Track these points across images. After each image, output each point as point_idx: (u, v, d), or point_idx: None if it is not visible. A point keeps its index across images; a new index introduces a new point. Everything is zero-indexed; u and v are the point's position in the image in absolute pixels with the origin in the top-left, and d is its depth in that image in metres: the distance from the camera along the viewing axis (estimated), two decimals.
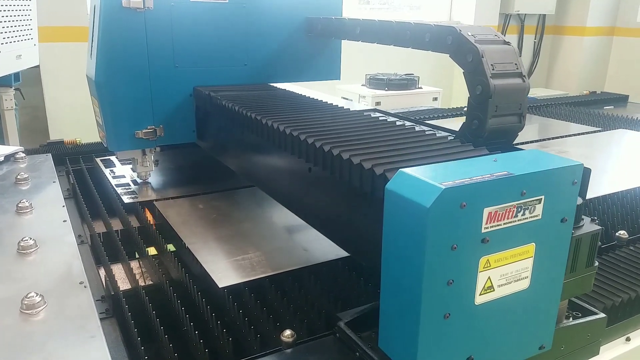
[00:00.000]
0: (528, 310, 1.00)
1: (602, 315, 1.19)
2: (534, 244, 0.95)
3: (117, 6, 1.74)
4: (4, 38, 2.71)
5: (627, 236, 1.60)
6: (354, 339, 1.07)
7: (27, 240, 1.48)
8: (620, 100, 4.49)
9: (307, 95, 1.90)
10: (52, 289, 1.26)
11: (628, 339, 1.33)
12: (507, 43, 1.37)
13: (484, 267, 0.90)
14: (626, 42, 7.04)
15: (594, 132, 3.11)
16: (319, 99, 1.83)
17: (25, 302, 1.18)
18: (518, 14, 6.64)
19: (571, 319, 1.17)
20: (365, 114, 1.58)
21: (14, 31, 2.83)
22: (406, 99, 4.65)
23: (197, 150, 2.27)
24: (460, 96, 6.35)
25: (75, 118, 4.28)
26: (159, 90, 1.88)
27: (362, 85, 4.82)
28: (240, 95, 1.78)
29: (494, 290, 0.93)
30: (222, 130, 1.87)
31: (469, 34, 1.34)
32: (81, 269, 1.38)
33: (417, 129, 1.37)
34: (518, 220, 0.91)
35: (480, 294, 0.92)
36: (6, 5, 2.72)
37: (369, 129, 1.35)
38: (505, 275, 0.94)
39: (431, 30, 1.44)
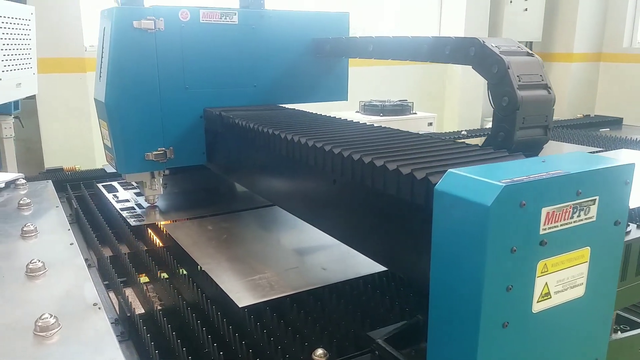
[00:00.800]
0: (583, 320, 0.94)
1: None
2: (589, 247, 0.90)
3: (128, 27, 1.71)
4: (5, 66, 2.66)
5: None
6: (397, 357, 1.00)
7: (35, 262, 1.40)
8: (615, 122, 4.53)
9: (317, 113, 1.87)
10: (65, 311, 1.18)
11: None
12: (531, 54, 1.35)
13: (541, 272, 0.85)
14: (613, 67, 7.18)
15: (598, 151, 3.11)
16: (330, 115, 1.80)
17: (39, 324, 1.10)
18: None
19: (619, 332, 1.12)
20: (381, 126, 1.55)
21: (14, 59, 2.78)
22: (402, 125, 4.59)
23: (201, 173, 2.22)
24: (451, 121, 6.38)
25: (71, 149, 4.22)
26: (169, 112, 1.84)
27: (357, 112, 4.82)
28: (253, 115, 1.74)
29: (550, 297, 0.88)
30: (236, 150, 1.82)
31: (493, 45, 1.32)
32: (94, 291, 1.30)
33: (444, 138, 1.33)
34: (574, 222, 0.86)
35: (537, 301, 0.86)
36: (8, 33, 2.68)
37: (392, 139, 1.31)
38: (561, 281, 0.88)
39: (451, 42, 1.43)
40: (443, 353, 0.89)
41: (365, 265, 1.44)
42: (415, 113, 4.92)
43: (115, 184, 2.36)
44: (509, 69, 1.26)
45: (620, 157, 2.97)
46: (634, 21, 7.06)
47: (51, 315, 1.12)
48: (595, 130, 4.13)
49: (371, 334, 1.11)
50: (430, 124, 4.88)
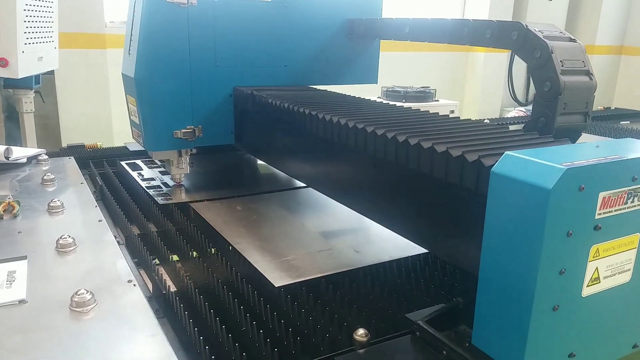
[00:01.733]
0: (627, 305, 0.94)
1: None
2: (639, 234, 0.89)
3: (161, 1, 1.69)
4: (27, 38, 2.65)
5: None
6: (440, 338, 1.00)
7: (65, 238, 1.40)
8: (636, 115, 4.50)
9: (348, 95, 1.86)
10: (100, 288, 1.18)
11: None
12: (573, 40, 1.33)
13: (593, 257, 0.84)
14: (634, 61, 7.08)
15: None
16: (362, 98, 1.79)
17: (76, 300, 1.10)
18: None
19: None
20: (418, 109, 1.53)
21: (37, 32, 2.77)
22: None
23: (225, 155, 2.22)
24: (471, 110, 6.33)
25: (89, 127, 4.22)
26: (199, 89, 1.83)
27: (378, 97, 4.78)
28: (286, 95, 1.73)
29: (599, 281, 0.87)
30: (267, 130, 1.82)
31: (536, 29, 1.30)
32: (127, 268, 1.30)
33: (483, 124, 1.31)
34: (627, 208, 0.85)
35: (587, 286, 0.86)
36: (32, 5, 2.67)
37: (432, 122, 1.30)
38: (611, 266, 0.88)
39: (493, 26, 1.40)
40: (491, 335, 0.89)
41: (398, 248, 1.44)
42: (438, 100, 4.89)
43: (139, 162, 2.36)
44: (552, 53, 1.24)
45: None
46: None
47: (87, 291, 1.12)
48: (615, 122, 4.09)
49: (409, 316, 1.11)
50: (452, 111, 4.84)
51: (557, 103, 1.26)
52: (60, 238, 1.40)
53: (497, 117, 6.42)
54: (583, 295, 0.85)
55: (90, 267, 1.30)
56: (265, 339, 1.05)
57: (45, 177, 1.96)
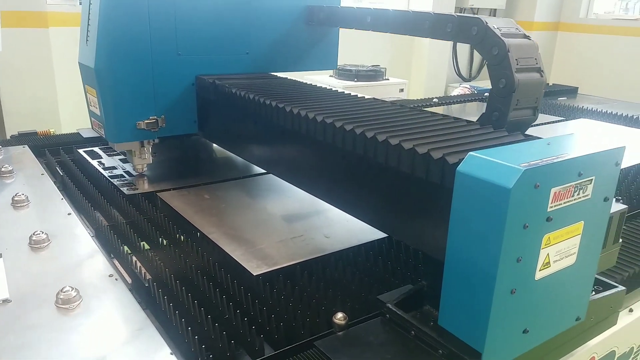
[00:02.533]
0: (571, 284, 1.06)
1: (622, 288, 1.27)
2: (582, 222, 1.01)
3: None
4: None
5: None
6: (408, 319, 1.10)
7: (39, 234, 1.42)
8: (571, 92, 4.76)
9: (308, 83, 1.91)
10: (83, 284, 1.22)
11: (631, 310, 1.43)
12: (527, 37, 1.43)
13: (545, 244, 0.96)
14: (570, 37, 7.43)
15: (559, 121, 3.29)
16: (323, 86, 1.85)
17: (61, 297, 1.14)
18: (472, 8, 6.86)
19: (594, 292, 1.26)
20: (375, 99, 1.61)
21: None
22: (374, 90, 4.73)
23: (186, 141, 2.23)
24: (418, 88, 6.50)
25: (34, 111, 4.06)
26: (161, 79, 1.83)
27: (330, 76, 4.85)
28: (249, 84, 1.77)
29: (550, 266, 0.99)
30: (231, 119, 1.85)
31: (495, 26, 1.39)
32: (105, 262, 1.34)
33: (440, 116, 1.40)
34: (574, 200, 0.97)
35: (539, 270, 0.97)
36: None
37: (396, 115, 1.38)
38: (559, 251, 0.99)
39: (453, 20, 1.48)
40: (456, 317, 0.99)
41: (364, 232, 1.53)
42: (388, 79, 5.00)
43: (97, 149, 2.34)
44: (508, 52, 1.33)
45: (582, 126, 3.16)
46: None
47: (72, 288, 1.16)
48: (553, 98, 4.33)
49: (381, 297, 1.22)
50: (402, 90, 4.97)
51: (510, 99, 1.36)
52: (34, 234, 1.41)
53: (442, 92, 6.64)
54: (536, 279, 0.97)
55: (69, 263, 1.32)
56: (250, 326, 1.12)
57: (2, 169, 1.93)
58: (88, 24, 1.80)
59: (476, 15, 1.41)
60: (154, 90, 1.83)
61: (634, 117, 3.32)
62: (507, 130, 1.31)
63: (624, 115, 3.40)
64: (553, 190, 0.91)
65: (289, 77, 2.13)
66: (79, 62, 1.91)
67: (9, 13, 3.72)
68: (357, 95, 1.71)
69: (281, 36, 2.07)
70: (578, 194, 0.97)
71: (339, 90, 1.75)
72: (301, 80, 1.98)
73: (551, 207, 0.93)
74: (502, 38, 1.33)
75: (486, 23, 1.37)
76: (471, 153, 0.93)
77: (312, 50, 2.17)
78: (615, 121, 3.34)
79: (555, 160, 0.91)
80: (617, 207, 1.18)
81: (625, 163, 2.26)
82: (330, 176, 1.45)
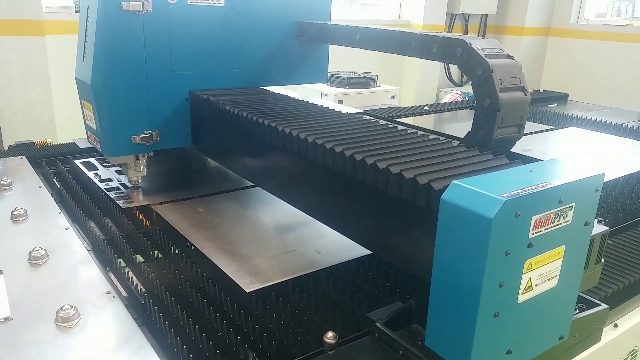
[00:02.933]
0: (554, 305, 1.11)
1: (605, 306, 1.32)
2: (564, 246, 1.05)
3: (116, 9, 1.71)
4: None
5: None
6: (396, 339, 1.14)
7: (38, 250, 1.45)
8: (562, 98, 4.82)
9: (298, 98, 1.95)
10: (81, 301, 1.25)
11: (615, 326, 1.48)
12: (511, 57, 1.47)
13: (527, 269, 1.00)
14: (560, 42, 7.51)
15: (548, 130, 3.34)
16: (311, 102, 1.89)
17: (61, 315, 1.17)
18: (463, 13, 6.92)
19: (577, 310, 1.30)
20: (364, 118, 1.66)
21: None
22: (366, 97, 4.78)
23: (182, 153, 2.26)
24: (410, 93, 6.55)
25: (31, 120, 4.07)
26: (155, 94, 1.86)
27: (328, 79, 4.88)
28: (241, 100, 1.80)
29: (532, 289, 1.03)
30: (224, 134, 1.88)
31: (479, 47, 1.43)
32: (103, 278, 1.37)
33: (430, 137, 1.45)
34: (555, 226, 1.01)
35: (522, 294, 1.01)
36: None
37: (385, 136, 1.42)
38: (541, 275, 1.04)
39: (438, 41, 1.52)
40: (440, 338, 1.03)
41: (355, 246, 1.56)
42: (380, 86, 5.05)
43: (93, 160, 2.37)
44: (492, 72, 1.37)
45: (570, 135, 3.21)
46: None
47: (71, 306, 1.19)
48: (543, 105, 4.39)
49: (370, 315, 1.26)
50: (393, 97, 5.02)
51: (495, 118, 1.40)
52: (33, 250, 1.44)
53: (434, 96, 6.69)
54: (518, 302, 1.01)
55: (67, 280, 1.35)
56: (243, 344, 1.16)
57: (1, 182, 1.96)
58: (85, 41, 1.83)
59: (461, 37, 1.45)
60: (149, 106, 1.86)
61: (624, 125, 3.38)
62: (493, 150, 1.35)
63: (613, 123, 3.46)
64: (534, 218, 0.96)
65: (281, 91, 2.18)
66: (75, 77, 1.94)
67: (5, 21, 3.73)
68: (347, 112, 1.74)
69: (273, 51, 2.10)
70: (559, 220, 1.01)
71: (329, 107, 1.79)
72: (294, 91, 2.02)
73: (532, 233, 0.97)
74: (486, 59, 1.38)
75: (470, 44, 1.41)
76: (455, 181, 0.97)
77: (303, 64, 2.22)
78: (604, 129, 3.40)
79: (536, 190, 0.95)
80: (598, 228, 1.22)
81: (612, 175, 2.32)
82: (320, 194, 1.49)
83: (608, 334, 1.44)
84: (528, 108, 1.48)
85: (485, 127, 1.43)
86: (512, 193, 0.92)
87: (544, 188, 0.96)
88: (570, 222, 1.03)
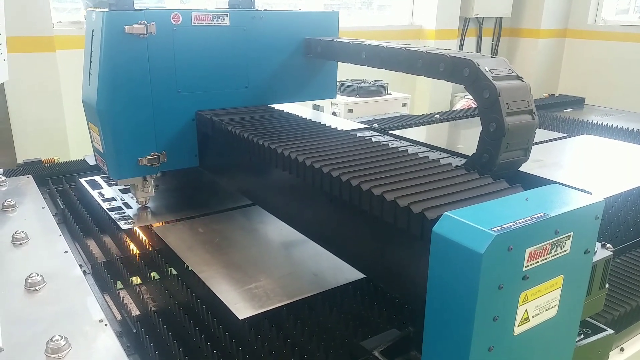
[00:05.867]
0: (554, 334, 1.06)
1: (611, 331, 1.27)
2: (562, 275, 1.01)
3: (120, 32, 1.70)
4: None
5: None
6: None
7: (34, 276, 1.45)
8: (577, 102, 4.71)
9: (302, 116, 1.92)
10: (73, 330, 1.24)
11: (622, 349, 1.42)
12: (520, 78, 1.42)
13: (522, 302, 0.96)
14: (577, 44, 7.37)
15: (561, 137, 3.26)
16: (313, 119, 1.87)
17: (51, 346, 1.16)
18: (477, 17, 6.84)
19: (582, 336, 1.25)
20: (365, 136, 1.63)
21: None
22: (377, 106, 4.74)
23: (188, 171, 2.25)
24: (423, 100, 6.48)
25: (43, 136, 4.12)
26: (161, 116, 1.85)
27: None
28: (245, 119, 1.79)
29: (529, 321, 0.99)
30: (228, 155, 1.87)
31: (486, 69, 1.37)
32: (97, 306, 1.36)
33: (431, 157, 1.41)
34: (551, 257, 0.97)
35: (518, 326, 0.97)
36: None
37: (385, 158, 1.39)
38: (538, 306, 1.00)
39: (446, 60, 1.48)
40: None
41: (352, 269, 1.54)
42: (390, 94, 5.01)
43: (98, 179, 2.37)
44: (499, 96, 1.32)
45: (584, 144, 3.13)
46: None
47: (61, 337, 1.18)
48: (559, 110, 4.29)
49: (364, 344, 1.22)
50: (404, 104, 4.98)
51: (500, 143, 1.35)
52: (29, 277, 1.44)
53: (448, 103, 6.61)
54: (515, 334, 0.97)
55: (61, 308, 1.35)
56: None
57: (5, 203, 1.97)
58: (90, 64, 1.83)
59: (468, 57, 1.40)
60: (155, 128, 1.85)
61: None
62: (494, 174, 1.31)
63: (629, 129, 3.37)
64: (528, 250, 0.92)
65: (291, 104, 2.16)
66: (82, 100, 1.94)
67: (16, 39, 3.78)
68: (350, 130, 1.72)
69: (280, 69, 2.08)
70: (556, 251, 0.97)
71: (331, 125, 1.76)
72: (304, 105, 1.99)
73: (527, 265, 0.93)
74: (493, 82, 1.33)
75: (478, 65, 1.36)
76: (447, 213, 0.94)
77: (310, 81, 2.19)
78: (620, 136, 3.30)
79: (530, 222, 0.91)
80: (601, 254, 1.18)
81: (623, 187, 2.24)
82: (317, 216, 1.46)
83: (615, 358, 1.39)
84: (535, 131, 1.43)
85: (490, 152, 1.39)
86: (504, 226, 0.88)
87: (539, 219, 0.92)
88: (568, 251, 0.99)
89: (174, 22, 1.80)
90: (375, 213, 1.17)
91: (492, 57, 1.46)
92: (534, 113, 1.37)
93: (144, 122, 1.82)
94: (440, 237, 0.92)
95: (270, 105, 2.10)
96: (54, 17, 4.19)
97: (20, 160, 2.69)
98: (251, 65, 2.01)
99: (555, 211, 0.95)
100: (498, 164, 1.34)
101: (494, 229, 0.87)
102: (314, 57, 2.10)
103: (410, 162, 1.36)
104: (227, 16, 1.90)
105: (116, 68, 1.73)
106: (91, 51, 1.80)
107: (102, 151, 1.86)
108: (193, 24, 1.84)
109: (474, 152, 1.44)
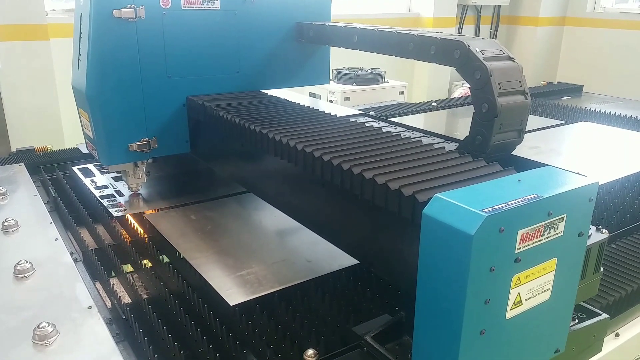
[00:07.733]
0: (548, 318, 1.05)
1: (606, 315, 1.26)
2: (555, 258, 1.00)
3: (108, 16, 1.67)
4: None
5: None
6: (385, 354, 1.09)
7: (23, 263, 1.43)
8: (576, 90, 4.69)
9: (296, 102, 1.90)
10: (61, 317, 1.22)
11: (617, 335, 1.41)
12: (512, 59, 1.39)
13: (515, 285, 0.94)
14: (576, 32, 7.33)
15: (559, 125, 3.24)
16: (307, 105, 1.84)
17: (38, 333, 1.15)
18: (475, 5, 6.79)
19: (577, 320, 1.24)
20: (359, 121, 1.60)
21: None
22: (374, 94, 4.71)
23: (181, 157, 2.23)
24: (421, 88, 6.45)
25: (37, 124, 4.09)
26: (151, 102, 1.82)
27: (330, 80, 4.82)
28: (237, 105, 1.76)
29: (522, 304, 0.98)
30: (220, 141, 1.85)
31: (477, 49, 1.35)
32: (86, 293, 1.34)
33: (424, 141, 1.39)
34: (544, 239, 0.95)
35: (510, 309, 0.96)
36: None
37: (377, 142, 1.36)
38: (531, 289, 0.98)
39: (436, 43, 1.45)
40: (426, 356, 0.98)
41: (347, 256, 1.52)
42: (387, 82, 4.97)
43: (91, 167, 2.35)
44: (491, 77, 1.30)
45: (582, 131, 3.11)
46: None
47: (49, 324, 1.16)
48: (557, 98, 4.27)
49: (356, 330, 1.21)
50: (402, 92, 4.95)
51: (493, 124, 1.33)
52: (18, 264, 1.42)
53: (446, 90, 6.58)
54: (507, 318, 0.96)
55: (50, 295, 1.33)
56: None
57: None
58: (79, 49, 1.80)
59: (459, 38, 1.38)
60: (145, 113, 1.83)
61: (638, 117, 3.27)
62: (488, 156, 1.29)
63: (627, 116, 3.35)
64: (520, 232, 0.90)
65: (286, 91, 2.13)
66: (72, 86, 1.92)
67: (9, 27, 3.74)
68: (342, 116, 1.70)
69: (271, 53, 2.05)
70: (549, 233, 0.95)
71: (324, 110, 1.73)
72: (300, 92, 1.97)
73: (519, 248, 0.91)
74: (484, 62, 1.31)
75: (468, 46, 1.34)
76: (437, 195, 0.92)
77: (303, 66, 2.16)
78: (618, 123, 3.29)
79: (522, 203, 0.89)
80: (596, 237, 1.16)
81: (620, 173, 2.23)
82: (309, 202, 1.44)
83: (610, 344, 1.38)
84: (528, 112, 1.40)
85: (483, 133, 1.37)
86: (495, 207, 0.86)
87: (532, 200, 0.91)
88: (562, 233, 0.98)
89: (163, 6, 1.77)
90: (366, 197, 1.15)
91: (483, 38, 1.43)
92: (527, 94, 1.35)
93: (134, 107, 1.80)
94: (430, 218, 0.91)
95: (267, 92, 2.07)
96: (47, 5, 4.15)
97: (14, 149, 2.67)
98: (242, 50, 1.98)
99: (548, 192, 0.93)
100: (492, 146, 1.32)
101: (485, 210, 0.85)
102: (306, 41, 2.07)
103: (402, 146, 1.34)
104: (217, 0, 1.87)
105: (105, 52, 1.70)
106: (80, 36, 1.77)
107: (92, 137, 1.84)
108: (183, 7, 1.81)
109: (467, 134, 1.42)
